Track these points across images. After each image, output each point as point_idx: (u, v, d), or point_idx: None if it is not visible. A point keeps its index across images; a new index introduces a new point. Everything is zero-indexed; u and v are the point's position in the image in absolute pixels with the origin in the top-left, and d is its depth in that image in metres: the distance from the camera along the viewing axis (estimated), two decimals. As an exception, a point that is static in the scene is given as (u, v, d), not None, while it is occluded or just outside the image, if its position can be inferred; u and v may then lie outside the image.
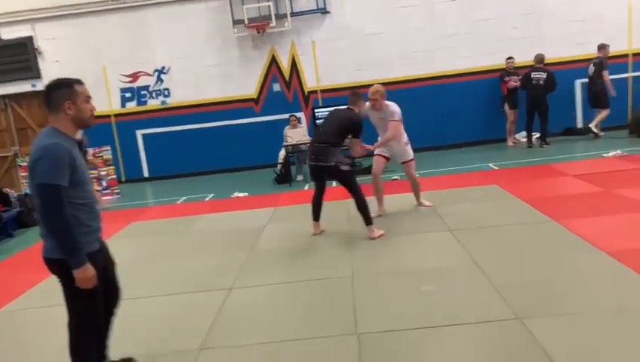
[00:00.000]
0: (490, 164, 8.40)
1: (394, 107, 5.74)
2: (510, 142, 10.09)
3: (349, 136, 5.28)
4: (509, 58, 10.01)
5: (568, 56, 10.21)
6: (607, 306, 3.30)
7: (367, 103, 5.73)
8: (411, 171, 6.02)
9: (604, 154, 8.04)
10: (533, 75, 9.54)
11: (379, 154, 5.98)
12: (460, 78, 10.35)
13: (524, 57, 9.98)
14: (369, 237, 5.13)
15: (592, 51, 10.11)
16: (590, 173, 6.86)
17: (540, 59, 9.65)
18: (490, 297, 3.59)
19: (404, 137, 5.96)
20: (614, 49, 10.09)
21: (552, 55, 10.10)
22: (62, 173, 2.47)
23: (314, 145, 5.30)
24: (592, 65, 9.65)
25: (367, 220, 5.18)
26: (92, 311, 2.74)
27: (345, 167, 5.16)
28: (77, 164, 2.57)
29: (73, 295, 2.66)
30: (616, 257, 3.99)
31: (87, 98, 2.69)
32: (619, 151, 8.06)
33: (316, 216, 5.57)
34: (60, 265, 2.59)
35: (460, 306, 3.52)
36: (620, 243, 4.26)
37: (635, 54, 10.18)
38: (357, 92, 5.58)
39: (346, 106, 5.45)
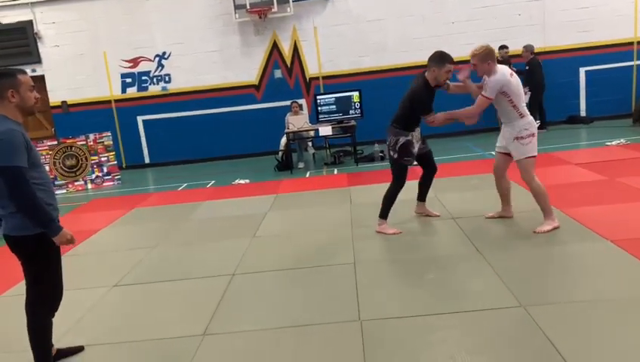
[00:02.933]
0: (492, 152, 8.35)
1: (496, 77, 4.30)
2: None
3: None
4: (503, 47, 9.89)
5: (572, 43, 10.13)
6: (611, 295, 3.28)
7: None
8: (523, 173, 4.49)
9: (607, 143, 8.01)
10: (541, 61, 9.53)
11: (497, 151, 4.80)
12: (463, 65, 10.23)
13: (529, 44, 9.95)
14: (376, 229, 4.98)
15: (596, 39, 10.06)
16: (593, 162, 6.83)
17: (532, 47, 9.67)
18: (494, 285, 3.58)
19: (515, 126, 4.40)
20: (619, 37, 10.03)
21: (555, 43, 10.03)
22: (21, 156, 2.63)
23: None
24: None
25: (382, 212, 4.94)
26: (54, 287, 2.90)
27: (392, 153, 4.79)
28: (31, 146, 2.73)
29: (37, 272, 2.83)
30: (620, 246, 3.98)
31: (31, 87, 2.84)
32: (622, 140, 8.02)
33: (418, 196, 5.28)
34: (24, 242, 2.75)
35: (463, 294, 3.51)
36: (624, 232, 4.25)
37: (639, 42, 10.10)
38: (435, 54, 4.61)
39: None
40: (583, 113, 10.43)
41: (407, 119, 4.74)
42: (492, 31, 10.16)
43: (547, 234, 4.42)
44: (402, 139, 4.73)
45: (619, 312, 3.06)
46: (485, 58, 4.37)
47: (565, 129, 9.91)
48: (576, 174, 6.42)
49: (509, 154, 4.59)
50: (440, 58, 4.57)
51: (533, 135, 4.40)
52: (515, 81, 4.39)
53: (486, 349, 2.84)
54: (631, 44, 10.14)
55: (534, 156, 4.44)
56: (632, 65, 10.21)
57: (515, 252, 4.17)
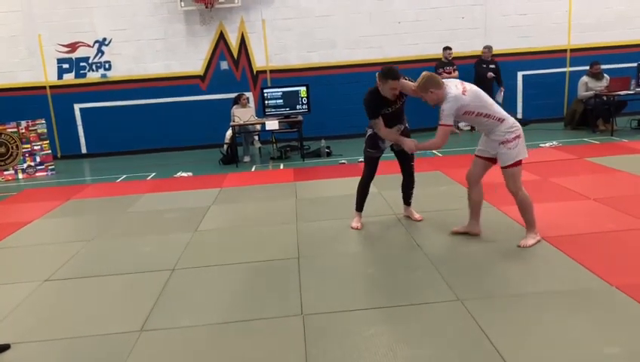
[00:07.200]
0: (434, 151, 8.58)
1: (447, 105, 3.99)
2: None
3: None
4: (447, 48, 10.18)
5: (512, 48, 10.54)
6: (541, 288, 3.45)
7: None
8: (509, 182, 4.19)
9: (541, 145, 8.40)
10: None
11: (478, 155, 4.37)
12: (407, 65, 10.44)
13: (471, 47, 10.33)
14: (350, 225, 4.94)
15: (533, 45, 10.51)
16: (528, 162, 7.10)
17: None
18: (434, 279, 3.67)
19: (497, 133, 4.08)
20: (554, 44, 10.54)
21: (496, 47, 10.40)
22: None
23: None
24: None
25: (356, 204, 5.00)
26: None
27: (364, 143, 4.88)
28: None
29: None
30: (551, 242, 4.18)
31: None
32: (555, 142, 8.46)
33: (402, 199, 5.14)
34: None
35: (404, 288, 3.59)
36: (555, 229, 4.46)
37: (572, 50, 10.64)
38: (382, 69, 4.50)
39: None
40: (519, 115, 10.87)
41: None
42: (437, 32, 10.42)
43: (484, 231, 4.56)
44: (369, 131, 4.85)
45: (548, 304, 3.21)
46: (425, 87, 4.04)
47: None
48: (512, 174, 6.68)
49: (490, 160, 4.27)
50: (383, 74, 4.42)
51: (519, 136, 4.09)
52: (471, 95, 4.02)
53: (424, 341, 2.91)
54: (565, 51, 10.67)
55: (522, 161, 4.17)
56: (565, 72, 10.76)
57: (454, 248, 4.30)
